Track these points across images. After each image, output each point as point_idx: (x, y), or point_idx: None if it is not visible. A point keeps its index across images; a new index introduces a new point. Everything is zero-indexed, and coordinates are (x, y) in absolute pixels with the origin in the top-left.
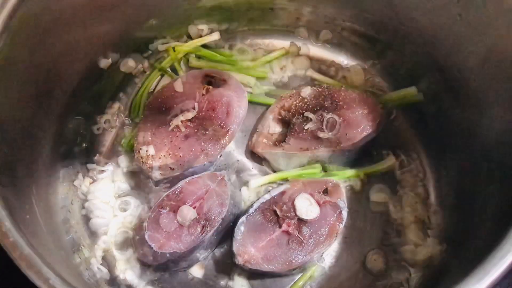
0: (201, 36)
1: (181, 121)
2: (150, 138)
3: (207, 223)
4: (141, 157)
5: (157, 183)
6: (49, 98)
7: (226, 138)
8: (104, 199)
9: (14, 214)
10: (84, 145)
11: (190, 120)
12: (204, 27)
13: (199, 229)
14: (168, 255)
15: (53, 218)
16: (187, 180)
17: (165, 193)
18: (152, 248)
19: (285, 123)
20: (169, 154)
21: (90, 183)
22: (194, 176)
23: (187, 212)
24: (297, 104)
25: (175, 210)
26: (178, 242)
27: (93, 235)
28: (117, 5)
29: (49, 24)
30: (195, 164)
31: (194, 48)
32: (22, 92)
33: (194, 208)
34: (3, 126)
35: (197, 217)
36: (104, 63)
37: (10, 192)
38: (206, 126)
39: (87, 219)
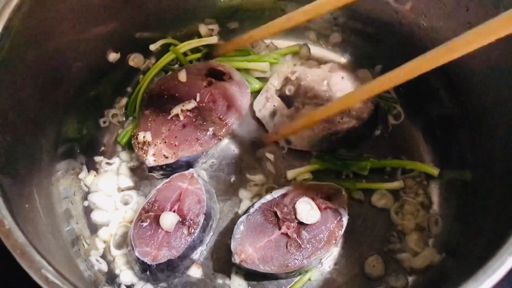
0: (211, 36)
1: (181, 111)
2: (149, 125)
3: (191, 222)
4: (138, 143)
5: (150, 169)
6: (56, 89)
7: (223, 130)
8: (107, 192)
9: (12, 202)
10: (89, 137)
11: (190, 111)
12: (214, 26)
13: (185, 231)
14: (164, 265)
15: (54, 209)
16: (157, 187)
17: (141, 207)
18: (146, 263)
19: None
20: (165, 142)
21: (94, 176)
22: (164, 182)
23: (170, 218)
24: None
25: (156, 220)
26: (170, 249)
27: (94, 227)
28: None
29: (55, 19)
30: (189, 154)
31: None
32: (28, 83)
33: (174, 212)
34: (7, 116)
35: (180, 220)
36: (113, 56)
37: (10, 181)
38: (205, 117)
39: (89, 211)
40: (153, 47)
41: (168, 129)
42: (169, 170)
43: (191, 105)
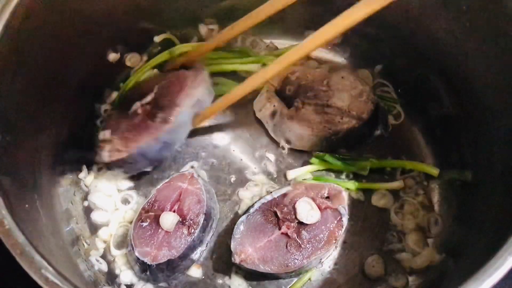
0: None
1: (141, 105)
2: (111, 122)
3: (191, 222)
4: (99, 141)
5: (109, 167)
6: (56, 89)
7: (173, 113)
8: (107, 192)
9: (12, 202)
10: (89, 137)
11: (148, 103)
12: (214, 26)
13: (185, 231)
14: (164, 265)
15: (54, 209)
16: (157, 187)
17: (141, 207)
18: (146, 263)
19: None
20: (120, 137)
21: (94, 176)
22: (164, 182)
23: (170, 218)
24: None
25: (156, 220)
26: (170, 249)
27: (94, 227)
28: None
29: (54, 19)
30: (141, 144)
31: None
32: (28, 83)
33: (174, 212)
34: (7, 116)
35: (180, 220)
36: (113, 57)
37: (10, 181)
38: (159, 105)
39: (89, 211)
40: (157, 39)
41: (127, 124)
42: (129, 165)
43: (149, 98)
